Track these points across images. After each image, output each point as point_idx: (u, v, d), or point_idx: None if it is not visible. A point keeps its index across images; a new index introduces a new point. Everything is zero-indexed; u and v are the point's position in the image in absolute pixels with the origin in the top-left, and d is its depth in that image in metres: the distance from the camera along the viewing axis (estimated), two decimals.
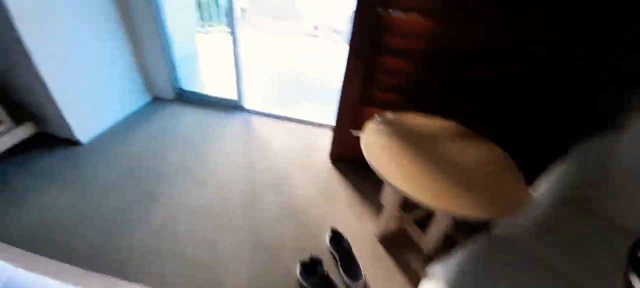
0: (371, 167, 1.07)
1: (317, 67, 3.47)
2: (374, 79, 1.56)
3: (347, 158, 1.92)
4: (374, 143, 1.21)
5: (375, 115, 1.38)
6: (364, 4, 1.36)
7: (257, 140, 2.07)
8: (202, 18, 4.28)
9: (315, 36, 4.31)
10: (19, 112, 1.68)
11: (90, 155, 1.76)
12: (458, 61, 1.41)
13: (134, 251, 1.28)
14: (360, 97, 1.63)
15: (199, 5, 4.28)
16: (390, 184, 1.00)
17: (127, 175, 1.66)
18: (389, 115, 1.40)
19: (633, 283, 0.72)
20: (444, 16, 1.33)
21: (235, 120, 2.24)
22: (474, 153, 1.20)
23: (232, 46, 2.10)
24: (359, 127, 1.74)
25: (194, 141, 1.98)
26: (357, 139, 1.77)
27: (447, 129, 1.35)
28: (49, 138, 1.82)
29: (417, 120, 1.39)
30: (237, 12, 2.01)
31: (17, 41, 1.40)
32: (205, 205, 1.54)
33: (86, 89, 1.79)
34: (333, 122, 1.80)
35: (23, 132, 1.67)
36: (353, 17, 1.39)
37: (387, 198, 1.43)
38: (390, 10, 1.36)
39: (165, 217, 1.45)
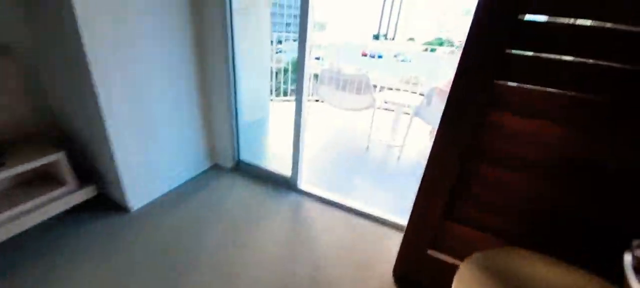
0: None
1: (387, 146, 3.13)
2: (467, 191, 1.12)
3: (417, 280, 1.41)
4: None
5: (475, 254, 0.91)
6: (460, 100, 1.00)
7: (306, 233, 1.73)
8: (276, 87, 4.53)
9: (386, 109, 4.08)
10: (82, 173, 1.73)
11: (133, 227, 1.67)
12: (613, 184, 0.89)
13: None
14: (446, 209, 1.18)
15: (277, 73, 4.58)
16: None
17: (159, 257, 1.49)
18: (497, 254, 0.91)
19: (632, 284, 0.68)
20: (584, 123, 0.88)
21: (286, 203, 1.98)
22: None
23: (294, 118, 1.93)
24: (440, 246, 1.27)
25: (238, 224, 1.76)
26: (434, 259, 1.29)
27: None
28: (103, 199, 1.82)
29: (542, 269, 0.86)
30: (304, 80, 1.84)
31: (96, 108, 1.45)
32: None
33: (150, 157, 1.80)
34: (403, 221, 1.38)
35: (84, 194, 1.70)
36: (445, 112, 1.04)
37: None
38: (500, 112, 0.98)
39: None
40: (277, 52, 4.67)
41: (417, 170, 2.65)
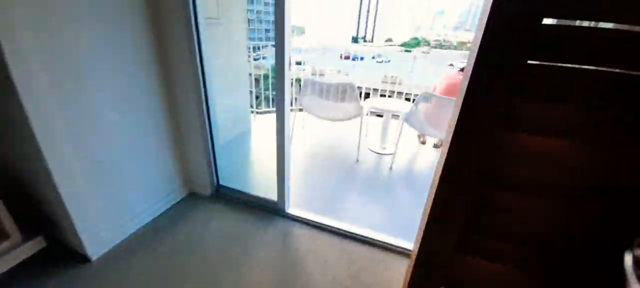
0: None
1: (380, 157, 2.98)
2: (485, 220, 0.97)
3: None
4: None
5: None
6: (474, 118, 0.85)
7: (297, 267, 1.53)
8: (257, 94, 4.31)
9: (372, 112, 3.93)
10: (29, 223, 1.46)
11: (93, 279, 1.41)
12: None
13: None
14: (458, 242, 1.03)
15: (257, 79, 4.36)
16: None
17: None
18: None
19: (632, 284, 0.66)
20: (615, 143, 0.75)
21: (273, 232, 1.78)
22: None
23: (277, 137, 1.74)
24: (455, 283, 1.11)
25: (219, 264, 1.54)
26: None
27: None
28: (57, 248, 1.54)
29: None
30: (286, 94, 1.65)
31: (32, 142, 1.19)
32: None
33: (110, 195, 1.55)
34: (404, 244, 1.21)
35: (31, 248, 1.43)
36: (452, 136, 0.88)
37: None
38: (520, 131, 0.84)
39: None
40: (255, 59, 4.47)
41: (411, 180, 2.51)
